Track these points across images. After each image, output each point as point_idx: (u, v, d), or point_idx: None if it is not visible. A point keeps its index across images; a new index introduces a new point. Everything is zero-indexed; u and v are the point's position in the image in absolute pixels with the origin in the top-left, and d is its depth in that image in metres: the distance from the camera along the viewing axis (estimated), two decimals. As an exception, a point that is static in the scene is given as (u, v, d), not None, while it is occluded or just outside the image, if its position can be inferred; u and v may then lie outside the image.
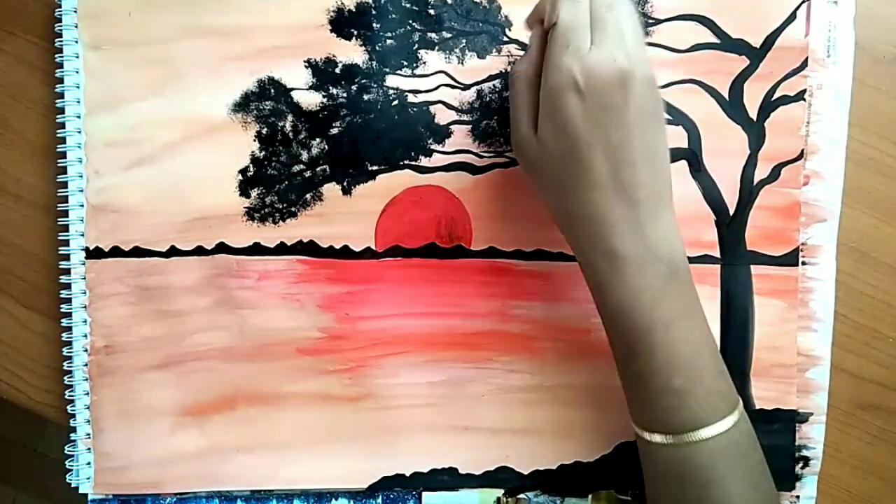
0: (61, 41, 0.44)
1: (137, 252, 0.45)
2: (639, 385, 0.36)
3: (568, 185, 0.35)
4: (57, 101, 0.45)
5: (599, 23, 0.33)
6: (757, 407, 0.44)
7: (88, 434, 0.45)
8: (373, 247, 0.44)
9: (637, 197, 0.34)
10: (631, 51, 0.33)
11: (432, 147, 0.44)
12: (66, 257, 0.45)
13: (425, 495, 0.45)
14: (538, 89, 0.35)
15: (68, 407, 0.45)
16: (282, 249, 0.45)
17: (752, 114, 0.44)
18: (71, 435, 0.45)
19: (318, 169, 0.44)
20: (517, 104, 0.36)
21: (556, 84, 0.33)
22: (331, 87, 0.44)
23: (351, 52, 0.44)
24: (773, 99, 0.44)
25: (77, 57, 0.44)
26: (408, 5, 0.44)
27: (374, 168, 0.44)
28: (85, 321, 0.45)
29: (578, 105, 0.33)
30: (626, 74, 0.33)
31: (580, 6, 0.34)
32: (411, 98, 0.44)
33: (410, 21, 0.44)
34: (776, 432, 0.44)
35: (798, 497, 0.45)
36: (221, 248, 0.45)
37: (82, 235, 0.45)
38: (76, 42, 0.44)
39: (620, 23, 0.33)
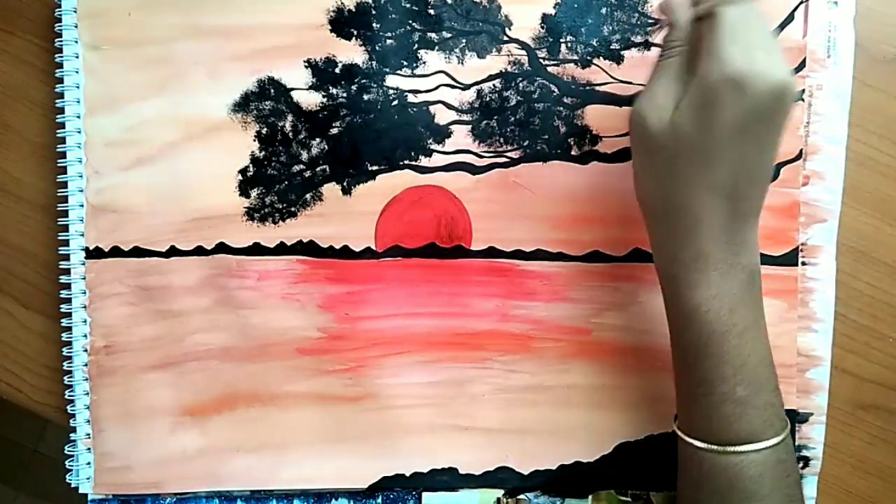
0: (61, 41, 0.44)
1: (137, 252, 0.45)
2: (701, 391, 0.36)
3: (682, 176, 0.34)
4: (57, 101, 0.45)
5: (759, 26, 0.32)
6: (757, 407, 0.44)
7: (88, 434, 0.45)
8: (373, 247, 0.44)
9: (742, 208, 0.34)
10: (788, 65, 0.32)
11: (432, 147, 0.44)
12: (66, 257, 0.45)
13: (425, 495, 0.45)
14: (685, 73, 0.34)
15: (68, 407, 0.45)
16: (282, 249, 0.45)
17: (752, 114, 0.44)
18: (71, 435, 0.45)
19: (317, 169, 0.44)
20: (662, 84, 0.34)
21: (720, 77, 0.31)
22: (331, 87, 0.44)
23: (351, 52, 0.44)
24: (772, 99, 0.44)
25: (77, 57, 0.44)
26: (408, 5, 0.44)
27: (374, 168, 0.44)
28: (85, 321, 0.45)
29: (735, 105, 0.31)
30: (788, 90, 0.32)
31: (748, 3, 0.32)
32: (411, 98, 0.44)
33: (410, 21, 0.44)
34: (776, 432, 0.44)
35: (798, 497, 0.45)
36: (221, 248, 0.45)
37: (82, 235, 0.45)
38: (76, 42, 0.44)
39: (770, 32, 0.33)
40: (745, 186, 0.33)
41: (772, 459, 0.35)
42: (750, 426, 0.35)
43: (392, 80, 0.44)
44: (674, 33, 0.35)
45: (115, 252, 0.45)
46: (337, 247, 0.45)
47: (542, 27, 0.44)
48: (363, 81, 0.44)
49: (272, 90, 0.44)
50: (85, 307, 0.45)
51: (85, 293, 0.45)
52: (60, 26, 0.44)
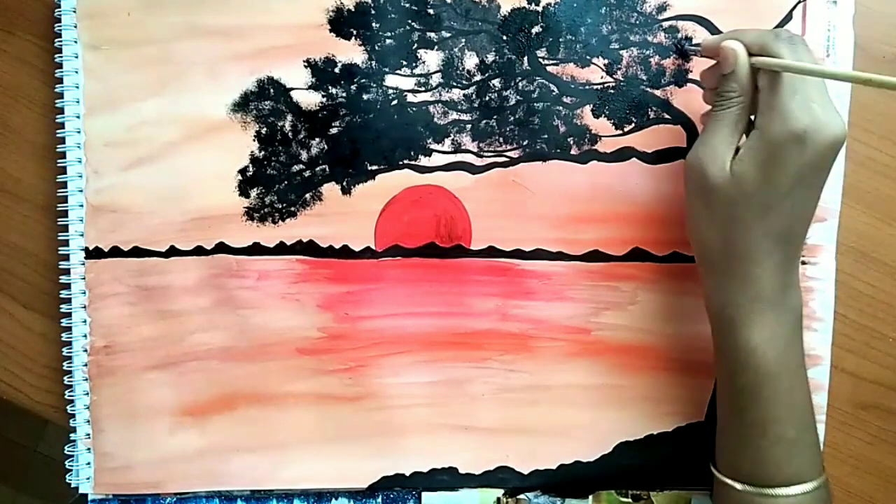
0: (61, 41, 0.44)
1: (137, 252, 0.45)
2: (754, 432, 0.36)
3: (742, 222, 0.35)
4: (56, 101, 0.45)
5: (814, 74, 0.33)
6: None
7: (88, 434, 0.45)
8: (372, 246, 0.44)
9: (792, 250, 0.35)
10: (840, 114, 0.34)
11: (431, 147, 0.44)
12: (66, 257, 0.45)
13: (425, 495, 0.45)
14: (740, 121, 0.35)
15: (68, 407, 0.45)
16: (281, 249, 0.45)
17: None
18: (71, 435, 0.45)
19: (317, 169, 0.44)
20: (719, 135, 0.35)
21: (783, 133, 0.33)
22: (330, 87, 0.44)
23: (350, 52, 0.44)
24: (772, 98, 0.44)
25: (76, 57, 0.44)
26: (407, 5, 0.44)
27: (374, 168, 0.44)
28: (85, 321, 0.45)
29: (797, 158, 0.33)
30: (841, 139, 0.33)
31: (804, 52, 0.33)
32: (410, 98, 0.44)
33: (410, 20, 0.44)
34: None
35: (798, 497, 0.45)
36: (221, 248, 0.45)
37: (82, 235, 0.45)
38: (75, 42, 0.44)
39: (824, 79, 0.34)
40: (798, 229, 0.35)
41: (819, 498, 0.36)
42: (799, 467, 0.36)
43: (391, 80, 0.44)
44: (730, 84, 0.35)
45: (115, 252, 0.45)
46: (336, 246, 0.45)
47: (542, 26, 0.44)
48: (363, 81, 0.44)
49: (272, 90, 0.44)
50: (85, 307, 0.45)
51: (85, 293, 0.45)
52: (60, 26, 0.44)
